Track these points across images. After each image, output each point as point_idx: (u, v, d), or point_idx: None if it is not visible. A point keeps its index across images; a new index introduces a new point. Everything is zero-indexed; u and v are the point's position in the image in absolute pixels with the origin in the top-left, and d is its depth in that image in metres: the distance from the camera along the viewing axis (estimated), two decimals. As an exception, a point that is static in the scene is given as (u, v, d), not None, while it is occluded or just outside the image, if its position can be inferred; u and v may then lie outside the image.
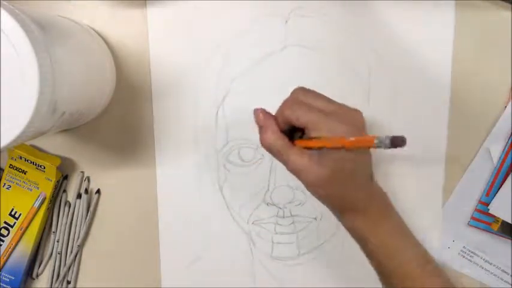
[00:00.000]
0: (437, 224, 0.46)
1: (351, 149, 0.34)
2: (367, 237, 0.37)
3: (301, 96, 0.37)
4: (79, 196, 0.47)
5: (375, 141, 0.31)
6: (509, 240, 0.45)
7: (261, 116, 0.37)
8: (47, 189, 0.46)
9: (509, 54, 0.44)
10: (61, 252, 0.47)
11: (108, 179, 0.47)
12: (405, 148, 0.45)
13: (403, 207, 0.46)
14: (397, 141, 0.31)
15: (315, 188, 0.36)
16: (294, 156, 0.35)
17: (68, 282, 0.48)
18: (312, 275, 0.47)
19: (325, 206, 0.38)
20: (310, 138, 0.35)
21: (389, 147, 0.31)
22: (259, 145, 0.45)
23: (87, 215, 0.47)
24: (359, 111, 0.37)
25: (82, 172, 0.47)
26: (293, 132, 0.38)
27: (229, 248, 0.47)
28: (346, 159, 0.35)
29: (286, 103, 0.37)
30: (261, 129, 0.37)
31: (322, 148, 0.35)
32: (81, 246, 0.48)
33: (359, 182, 0.36)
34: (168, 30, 0.45)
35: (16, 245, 0.46)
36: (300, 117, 0.35)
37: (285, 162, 0.36)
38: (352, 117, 0.36)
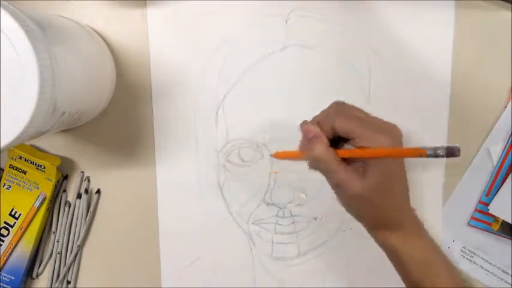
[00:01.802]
0: (437, 224, 0.46)
1: (397, 157, 0.34)
2: (405, 255, 0.36)
3: (342, 107, 0.37)
4: (79, 196, 0.47)
5: (428, 152, 0.32)
6: (509, 240, 0.45)
7: (312, 127, 0.36)
8: (47, 189, 0.46)
9: (509, 54, 0.44)
10: (61, 252, 0.47)
11: (108, 179, 0.47)
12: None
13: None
14: (452, 152, 0.31)
15: (358, 201, 0.35)
16: (342, 168, 0.35)
17: (68, 282, 0.48)
18: (312, 275, 0.47)
19: (358, 221, 0.37)
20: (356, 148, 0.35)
21: (444, 157, 0.31)
22: (259, 145, 0.45)
23: (87, 215, 0.47)
24: (396, 125, 0.36)
25: (82, 172, 0.47)
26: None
27: (229, 248, 0.47)
28: (390, 176, 0.35)
29: (326, 114, 0.37)
30: (312, 140, 0.36)
31: (367, 158, 0.34)
32: (81, 246, 0.48)
33: (399, 200, 0.36)
34: (168, 30, 0.45)
35: (16, 245, 0.46)
36: (345, 126, 0.35)
37: (333, 174, 0.35)
38: (392, 130, 0.36)
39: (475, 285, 0.46)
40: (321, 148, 0.35)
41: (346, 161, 0.35)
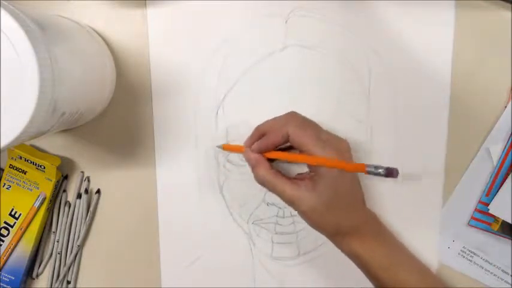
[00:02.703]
0: (437, 224, 0.46)
1: (346, 170, 0.37)
2: (366, 259, 0.37)
3: (297, 116, 0.40)
4: (79, 196, 0.47)
5: (367, 169, 0.35)
6: (509, 240, 0.45)
7: (252, 155, 0.40)
8: (47, 189, 0.46)
9: (509, 54, 0.44)
10: (61, 252, 0.47)
11: (108, 179, 0.47)
12: (405, 148, 0.45)
13: (403, 208, 0.46)
14: (391, 172, 0.34)
15: (313, 214, 0.37)
16: (289, 186, 0.37)
17: (68, 282, 0.48)
18: (312, 275, 0.47)
19: (321, 234, 0.39)
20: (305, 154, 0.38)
21: (384, 176, 0.34)
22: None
23: (87, 215, 0.47)
24: (346, 140, 0.39)
25: (82, 172, 0.47)
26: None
27: (229, 248, 0.47)
28: (340, 184, 0.37)
29: (280, 120, 0.40)
30: (254, 166, 0.39)
31: (312, 165, 0.37)
32: (81, 246, 0.48)
33: (353, 206, 0.38)
34: (168, 30, 0.45)
35: (16, 245, 0.46)
36: (298, 136, 0.37)
37: (281, 193, 0.38)
38: (340, 145, 0.39)
39: (475, 285, 0.46)
40: (263, 172, 0.39)
41: (297, 177, 0.39)
